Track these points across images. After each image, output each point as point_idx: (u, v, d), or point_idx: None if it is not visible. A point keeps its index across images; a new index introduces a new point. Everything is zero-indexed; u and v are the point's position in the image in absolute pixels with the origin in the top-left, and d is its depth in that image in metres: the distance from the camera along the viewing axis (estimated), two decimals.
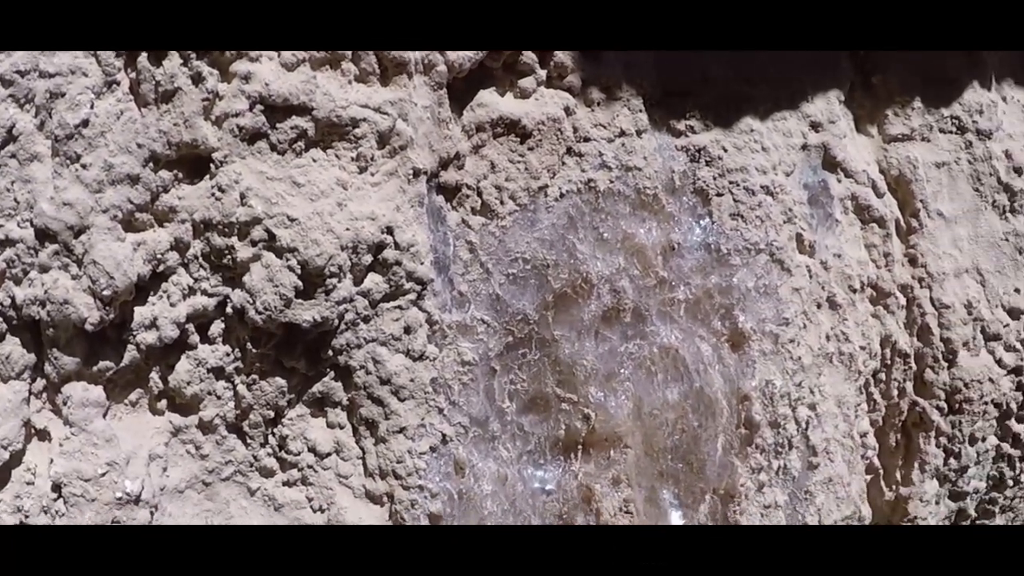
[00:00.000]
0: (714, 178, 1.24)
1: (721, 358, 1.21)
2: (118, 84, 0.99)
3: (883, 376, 1.39)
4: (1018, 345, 1.44)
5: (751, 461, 1.23)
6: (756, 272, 1.23)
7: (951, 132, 1.40)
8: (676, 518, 1.21)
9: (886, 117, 1.40)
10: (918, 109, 1.40)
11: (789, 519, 1.28)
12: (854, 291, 1.32)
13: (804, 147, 1.31)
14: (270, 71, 1.03)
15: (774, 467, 1.26)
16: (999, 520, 1.56)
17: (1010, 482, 1.52)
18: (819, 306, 1.29)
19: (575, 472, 1.20)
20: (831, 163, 1.33)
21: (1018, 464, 1.51)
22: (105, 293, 0.98)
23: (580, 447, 1.20)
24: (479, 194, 1.16)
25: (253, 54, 1.04)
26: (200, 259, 1.06)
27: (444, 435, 1.13)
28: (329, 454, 1.14)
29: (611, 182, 1.19)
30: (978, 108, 1.41)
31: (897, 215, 1.38)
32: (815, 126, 1.33)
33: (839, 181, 1.33)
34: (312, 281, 1.04)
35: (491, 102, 1.18)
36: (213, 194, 1.04)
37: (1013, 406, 1.47)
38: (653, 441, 1.21)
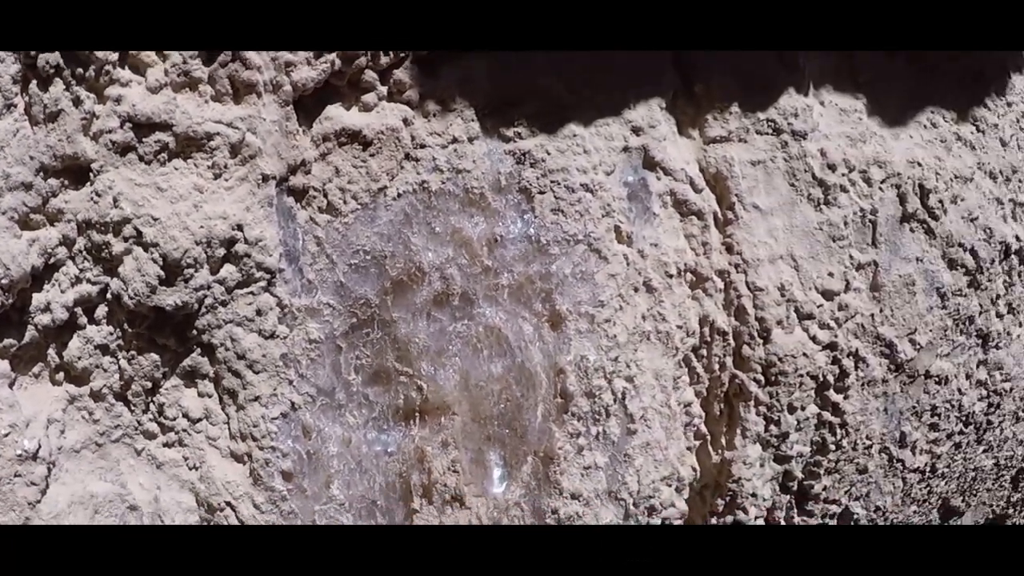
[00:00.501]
0: (537, 178, 1.62)
1: (541, 336, 1.60)
2: (15, 107, 1.27)
3: (704, 352, 1.77)
4: (832, 323, 1.82)
5: (568, 427, 1.62)
6: (574, 260, 1.61)
7: (767, 133, 1.78)
8: (498, 475, 1.58)
9: (706, 121, 1.78)
10: (736, 113, 1.78)
11: (609, 479, 1.67)
12: (671, 276, 1.70)
13: (625, 149, 1.69)
14: (137, 94, 1.40)
15: (593, 432, 1.64)
16: (825, 481, 1.95)
17: (832, 447, 1.92)
18: (636, 290, 1.67)
19: (413, 436, 1.58)
20: (651, 163, 1.71)
21: (839, 430, 1.90)
22: (4, 282, 1.29)
23: (416, 414, 1.58)
24: (325, 195, 1.53)
25: (124, 79, 1.40)
26: (84, 253, 1.38)
27: (293, 403, 1.51)
28: (200, 419, 1.48)
29: (443, 183, 1.57)
30: (793, 112, 1.79)
31: (715, 208, 1.76)
32: (636, 130, 1.71)
33: (658, 179, 1.71)
34: (172, 271, 1.41)
35: (337, 115, 1.55)
36: (92, 198, 1.38)
37: (830, 378, 1.86)
38: (480, 409, 1.59)
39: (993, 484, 2.42)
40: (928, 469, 2.15)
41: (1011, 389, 2.20)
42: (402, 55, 1.56)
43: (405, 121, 1.57)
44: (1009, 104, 2.11)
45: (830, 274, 1.83)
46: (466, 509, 1.60)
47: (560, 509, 1.64)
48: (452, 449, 1.59)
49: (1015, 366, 2.18)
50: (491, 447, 1.62)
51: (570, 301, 1.63)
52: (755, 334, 1.79)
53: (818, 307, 1.82)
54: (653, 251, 1.71)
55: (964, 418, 2.13)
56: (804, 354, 1.83)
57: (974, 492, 2.38)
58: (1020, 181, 2.10)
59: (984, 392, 2.14)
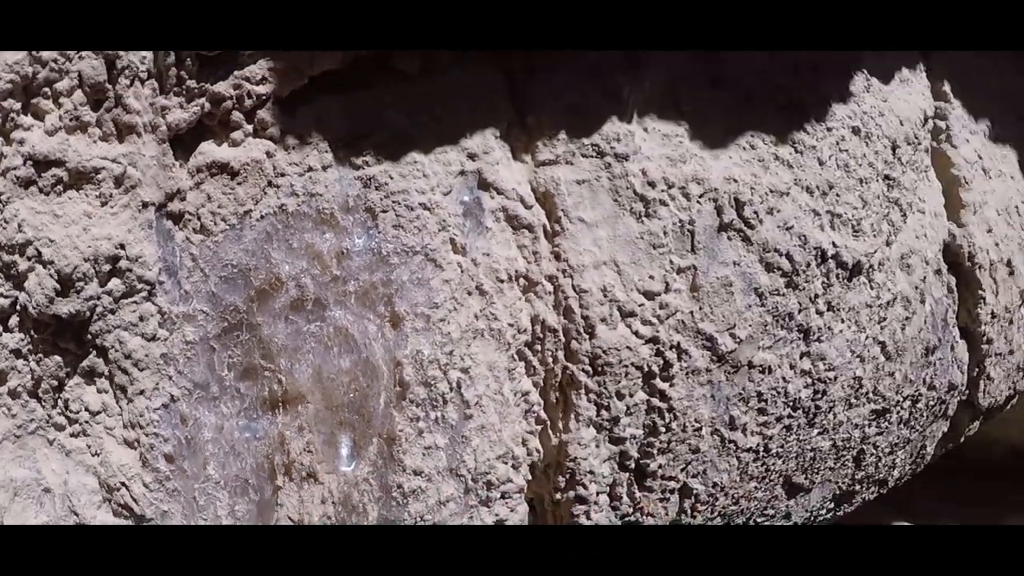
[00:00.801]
0: (381, 199, 2.05)
1: (383, 334, 2.04)
2: None
3: (538, 347, 2.22)
4: (653, 320, 2.27)
5: (407, 412, 2.06)
6: (412, 268, 2.05)
7: (592, 156, 2.23)
8: (346, 454, 2.03)
9: (537, 147, 2.21)
10: (563, 140, 2.22)
11: (449, 458, 2.11)
12: (502, 281, 2.14)
13: (461, 172, 2.13)
14: (37, 136, 1.75)
15: (432, 417, 2.09)
16: (660, 460, 2.40)
17: (663, 429, 2.36)
18: (469, 293, 2.11)
19: (276, 423, 2.02)
20: (485, 184, 2.15)
21: (667, 415, 2.35)
22: None
23: (280, 404, 2.02)
24: (199, 218, 1.90)
25: (26, 124, 1.83)
26: None
27: (172, 395, 1.86)
28: (99, 412, 1.72)
29: (299, 206, 2.00)
30: (616, 137, 2.24)
31: (544, 222, 2.21)
32: (472, 156, 2.15)
33: (492, 198, 2.15)
34: (67, 284, 1.75)
35: (208, 150, 1.87)
36: (2, 225, 1.78)
37: (655, 368, 2.30)
38: (332, 398, 2.03)
39: (835, 463, 2.89)
40: (762, 449, 2.60)
41: (836, 378, 2.66)
42: (264, 97, 1.99)
43: (268, 154, 1.90)
44: (829, 129, 2.59)
45: (651, 277, 2.27)
46: (320, 484, 2.04)
47: (404, 484, 2.08)
48: (307, 433, 2.02)
49: (838, 357, 2.64)
50: (342, 431, 2.05)
51: (408, 304, 2.07)
52: (581, 330, 2.23)
53: (640, 306, 2.26)
54: (485, 260, 2.13)
55: (791, 403, 2.58)
56: (628, 347, 2.26)
57: (816, 470, 2.85)
58: (837, 195, 2.57)
59: (809, 380, 2.60)
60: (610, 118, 2.15)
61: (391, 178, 2.07)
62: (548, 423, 2.29)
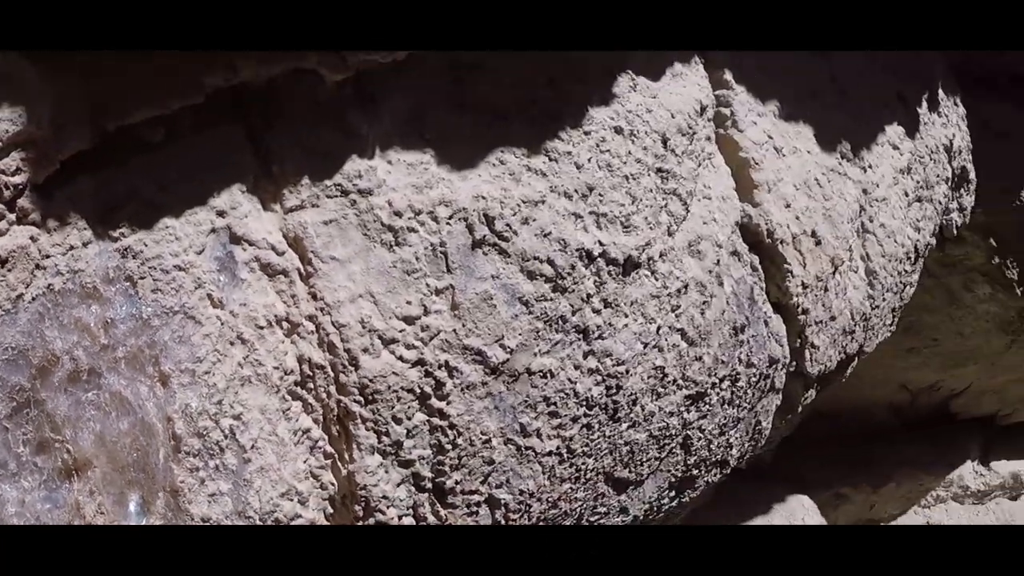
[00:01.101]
0: (139, 266, 2.71)
1: (155, 393, 2.70)
2: None
3: (311, 385, 2.90)
4: (417, 343, 2.97)
5: (185, 464, 2.72)
6: (173, 328, 2.71)
7: (336, 196, 2.91)
8: (135, 511, 2.70)
9: (283, 195, 2.86)
10: (307, 184, 2.88)
11: (234, 502, 2.76)
12: (262, 327, 2.83)
13: (212, 230, 2.81)
14: None
15: (212, 465, 2.71)
16: (455, 476, 3.10)
17: (449, 446, 3.05)
18: (231, 343, 2.80)
19: (73, 490, 2.66)
20: (236, 238, 2.79)
21: (450, 432, 3.04)
22: None
23: (73, 472, 2.68)
24: None
25: None
26: None
27: None
28: None
29: (64, 283, 2.57)
30: (357, 174, 2.91)
31: (298, 266, 2.88)
32: (221, 213, 2.82)
33: (244, 250, 2.81)
34: None
35: None
36: None
37: (428, 389, 2.97)
38: (116, 460, 2.61)
39: (661, 453, 3.60)
40: (564, 451, 3.28)
41: (629, 372, 3.36)
42: (21, 187, 2.62)
43: (32, 239, 2.17)
44: (587, 133, 3.25)
45: (408, 302, 2.84)
46: None
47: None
48: (98, 495, 2.64)
49: (627, 351, 3.34)
50: (130, 489, 2.63)
51: (172, 362, 2.68)
52: (347, 363, 2.87)
53: (400, 332, 2.93)
54: (243, 310, 2.68)
55: (584, 403, 3.25)
56: (394, 373, 2.91)
57: (640, 463, 3.54)
58: (601, 195, 3.28)
59: (599, 378, 3.25)
60: (350, 156, 2.70)
61: (146, 245, 2.59)
62: (336, 456, 2.96)
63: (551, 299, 2.98)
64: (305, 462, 2.85)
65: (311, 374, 2.82)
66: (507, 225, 2.89)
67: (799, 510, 7.56)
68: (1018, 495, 9.96)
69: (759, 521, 7.32)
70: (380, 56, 2.71)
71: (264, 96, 2.65)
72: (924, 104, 4.70)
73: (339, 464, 2.90)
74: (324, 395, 2.84)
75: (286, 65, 2.63)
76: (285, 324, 2.78)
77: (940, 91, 5.27)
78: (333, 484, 2.89)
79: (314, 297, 2.74)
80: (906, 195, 4.47)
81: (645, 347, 3.28)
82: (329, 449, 2.87)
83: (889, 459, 9.22)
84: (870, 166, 4.25)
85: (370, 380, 2.80)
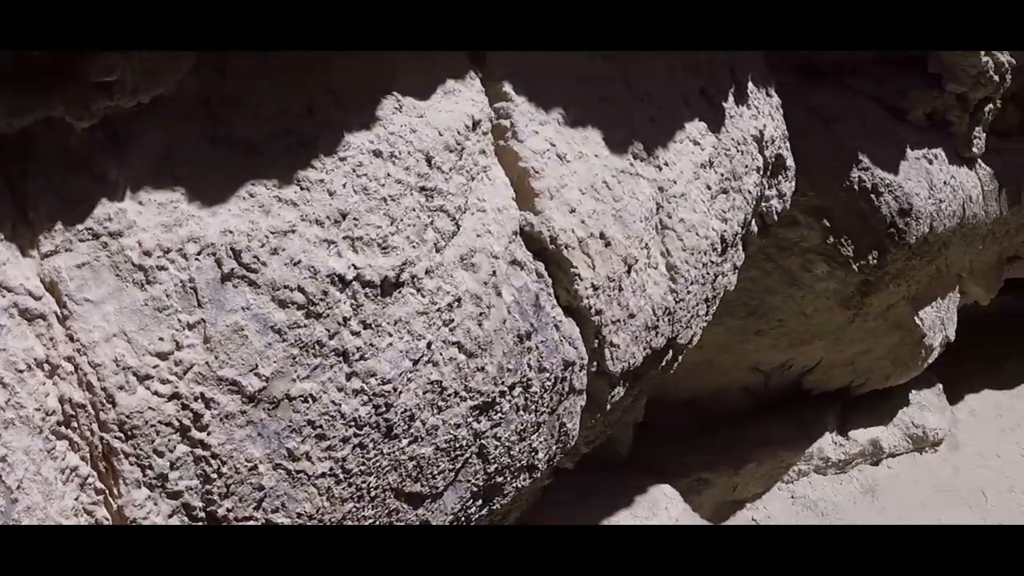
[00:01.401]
0: None
1: None
2: None
3: (75, 424, 3.11)
4: (171, 378, 3.18)
5: None
6: None
7: (88, 240, 3.10)
8: None
9: (39, 241, 3.08)
10: (60, 229, 3.06)
11: None
12: (22, 371, 3.03)
13: None
14: None
15: None
16: (227, 504, 3.31)
17: (215, 476, 3.26)
18: None
19: None
20: None
21: (213, 461, 3.26)
22: None
23: None
24: None
25: None
26: None
27: None
28: None
29: None
30: (108, 217, 3.11)
31: (56, 309, 3.09)
32: None
33: (3, 296, 2.99)
34: None
35: None
36: None
37: (187, 421, 3.20)
38: None
39: (455, 464, 3.84)
40: (340, 471, 3.54)
41: (398, 389, 3.62)
42: None
43: None
44: (343, 159, 3.50)
45: (160, 339, 3.10)
46: None
47: None
48: None
49: (393, 370, 3.60)
50: None
51: None
52: (105, 401, 3.09)
53: (154, 367, 3.12)
54: (3, 355, 2.86)
55: (352, 423, 3.49)
56: (151, 408, 3.12)
57: (431, 476, 3.79)
58: (355, 220, 3.52)
59: (365, 398, 3.52)
60: (101, 200, 2.86)
61: None
62: (106, 491, 3.16)
63: (305, 325, 3.15)
64: (76, 499, 3.05)
65: (74, 413, 3.03)
66: (255, 257, 3.05)
67: (661, 499, 7.83)
68: (879, 460, 10.40)
69: (623, 513, 7.57)
70: (123, 100, 2.89)
71: (20, 145, 2.76)
72: (731, 98, 4.95)
73: (110, 499, 3.11)
74: (88, 433, 3.05)
75: (36, 115, 2.70)
76: (46, 366, 2.98)
77: (750, 83, 5.53)
78: (108, 519, 3.10)
79: (71, 339, 2.87)
80: (708, 188, 4.71)
81: (415, 363, 3.49)
82: (100, 485, 3.08)
83: (748, 440, 9.62)
84: (666, 164, 4.46)
85: (127, 416, 3.05)
